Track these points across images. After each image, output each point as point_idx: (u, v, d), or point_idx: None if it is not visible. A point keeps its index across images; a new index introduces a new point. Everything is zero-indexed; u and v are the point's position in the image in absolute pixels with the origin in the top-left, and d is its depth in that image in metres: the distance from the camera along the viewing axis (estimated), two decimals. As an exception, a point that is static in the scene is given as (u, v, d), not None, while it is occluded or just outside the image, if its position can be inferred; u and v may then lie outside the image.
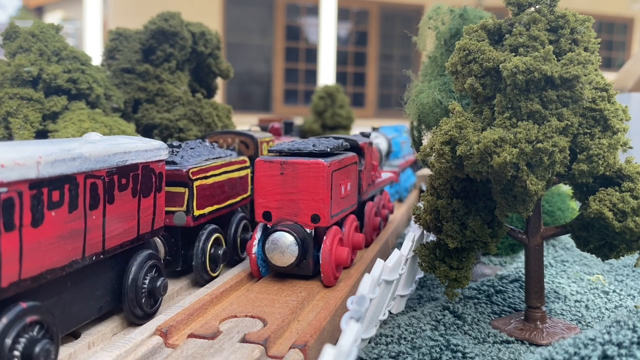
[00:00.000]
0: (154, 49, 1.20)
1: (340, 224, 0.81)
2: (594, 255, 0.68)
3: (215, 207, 0.83)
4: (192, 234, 0.79)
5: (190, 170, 0.76)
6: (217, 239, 0.82)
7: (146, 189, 0.65)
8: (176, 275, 0.81)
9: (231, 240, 0.87)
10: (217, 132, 1.02)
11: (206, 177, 0.80)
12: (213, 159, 0.84)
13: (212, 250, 0.80)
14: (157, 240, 0.74)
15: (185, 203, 0.76)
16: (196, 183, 0.77)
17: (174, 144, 0.83)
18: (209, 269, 0.79)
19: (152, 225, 0.67)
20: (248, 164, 0.93)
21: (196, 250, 0.78)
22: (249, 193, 0.94)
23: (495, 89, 0.64)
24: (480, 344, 0.67)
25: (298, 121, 2.66)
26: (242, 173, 0.92)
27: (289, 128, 1.34)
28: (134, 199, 0.63)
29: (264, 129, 2.37)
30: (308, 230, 0.74)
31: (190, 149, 0.83)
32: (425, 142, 0.91)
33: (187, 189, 0.76)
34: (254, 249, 0.76)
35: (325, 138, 0.85)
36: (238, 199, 0.90)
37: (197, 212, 0.77)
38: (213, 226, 0.81)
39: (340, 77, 5.63)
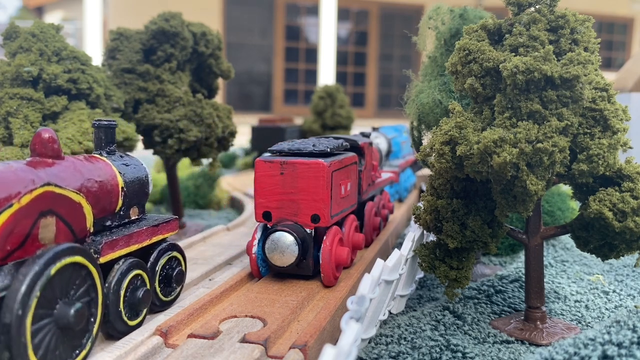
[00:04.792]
0: (155, 49, 1.20)
1: (340, 224, 0.81)
2: (594, 255, 0.68)
3: None
4: None
5: None
6: None
7: None
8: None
9: None
10: None
11: None
12: None
13: None
14: None
15: None
16: None
17: None
18: None
19: None
20: None
21: None
22: None
23: (495, 89, 0.64)
24: (480, 344, 0.67)
25: (298, 121, 2.65)
26: None
27: (103, 136, 0.68)
28: None
29: (264, 129, 2.33)
30: (308, 230, 0.74)
31: None
32: (425, 142, 0.91)
33: None
34: (254, 249, 0.76)
35: (325, 138, 0.85)
36: None
37: None
38: None
39: (340, 77, 5.63)
